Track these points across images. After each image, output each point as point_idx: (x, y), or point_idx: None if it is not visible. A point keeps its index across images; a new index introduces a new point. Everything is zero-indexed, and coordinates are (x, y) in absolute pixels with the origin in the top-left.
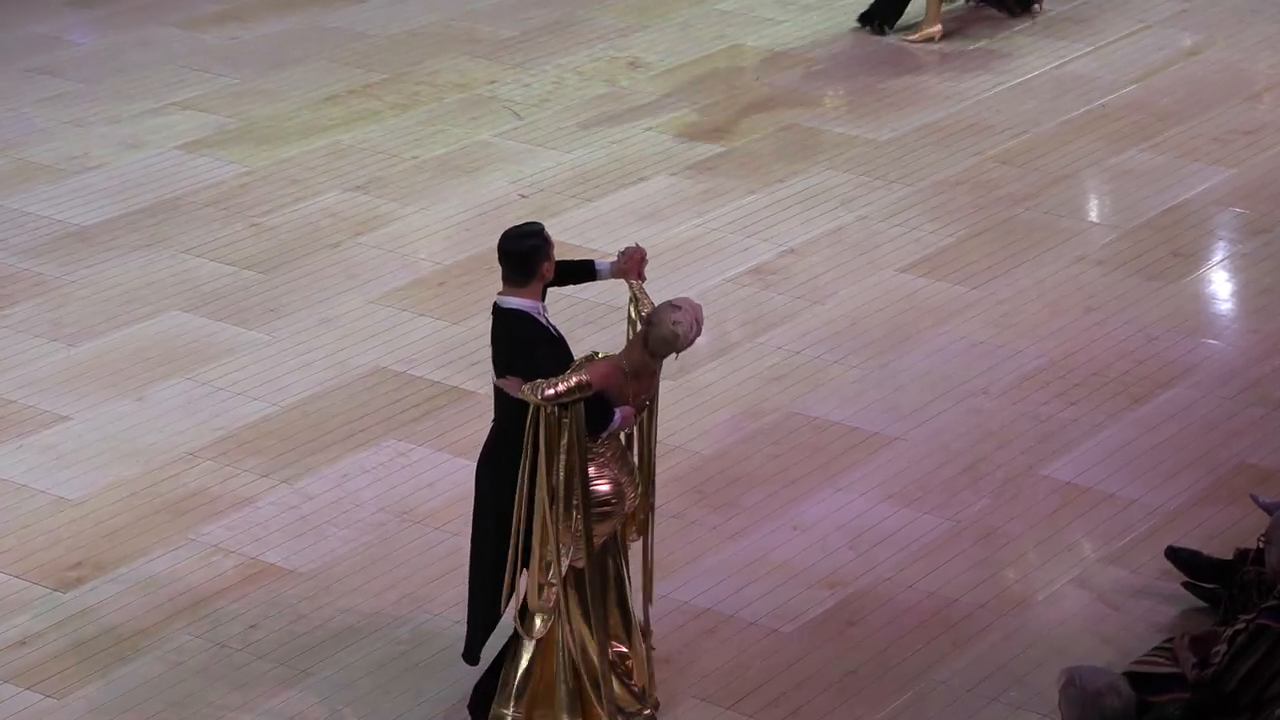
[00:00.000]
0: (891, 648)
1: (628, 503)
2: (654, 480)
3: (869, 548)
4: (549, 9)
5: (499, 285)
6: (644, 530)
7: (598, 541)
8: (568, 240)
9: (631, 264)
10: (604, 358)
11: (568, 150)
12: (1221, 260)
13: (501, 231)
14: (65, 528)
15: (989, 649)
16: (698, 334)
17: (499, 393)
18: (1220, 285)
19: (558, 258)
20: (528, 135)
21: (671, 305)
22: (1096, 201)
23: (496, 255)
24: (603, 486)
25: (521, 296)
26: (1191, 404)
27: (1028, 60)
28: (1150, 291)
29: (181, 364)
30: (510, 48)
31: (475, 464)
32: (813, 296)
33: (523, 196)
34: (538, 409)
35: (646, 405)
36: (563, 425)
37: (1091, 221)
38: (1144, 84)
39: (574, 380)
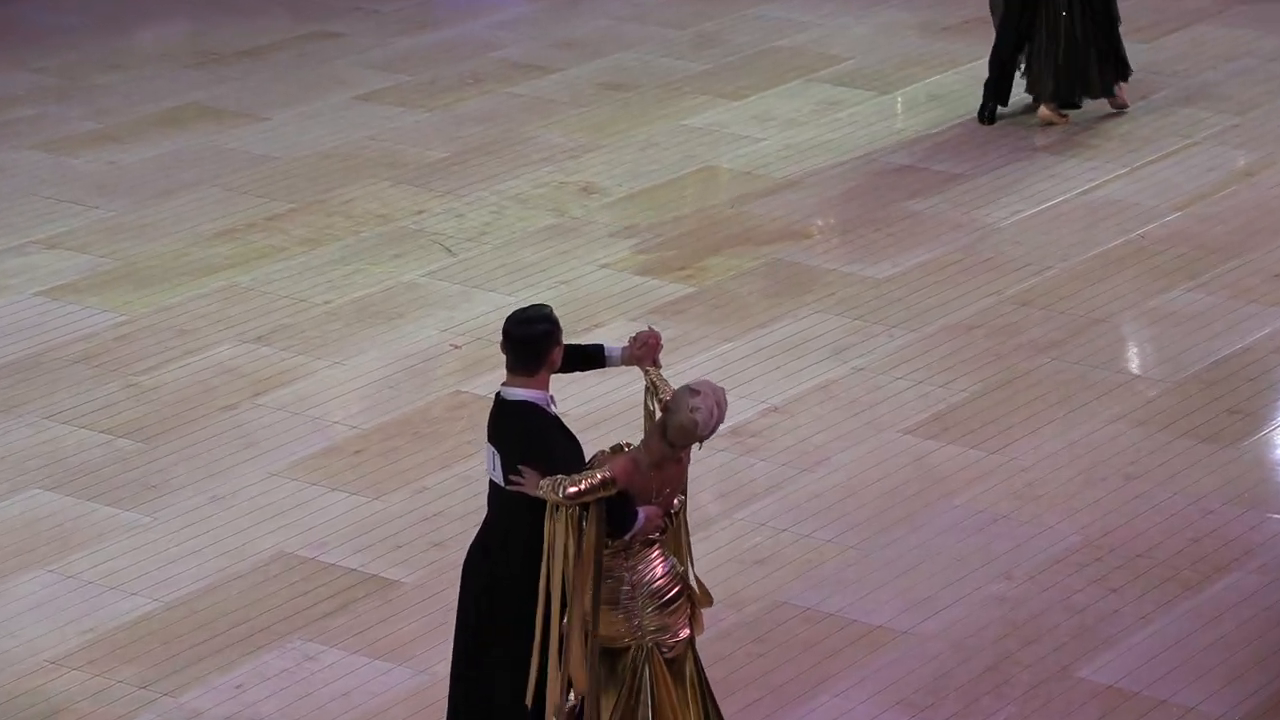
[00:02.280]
0: None
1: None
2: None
3: None
4: (485, 126)
5: (426, 452)
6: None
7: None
8: None
9: (646, 350)
10: (624, 452)
11: (509, 292)
12: None
13: (425, 389)
14: None
15: None
16: (719, 420)
17: (496, 488)
18: None
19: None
20: (462, 274)
21: (690, 390)
22: (1136, 350)
23: (500, 343)
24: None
25: (528, 387)
26: (1256, 592)
27: (1052, 183)
28: (1203, 456)
29: (43, 553)
30: (440, 172)
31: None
32: (801, 463)
33: (455, 347)
34: (555, 507)
35: (679, 506)
36: (583, 526)
37: (1131, 373)
38: (1190, 211)
39: (598, 477)
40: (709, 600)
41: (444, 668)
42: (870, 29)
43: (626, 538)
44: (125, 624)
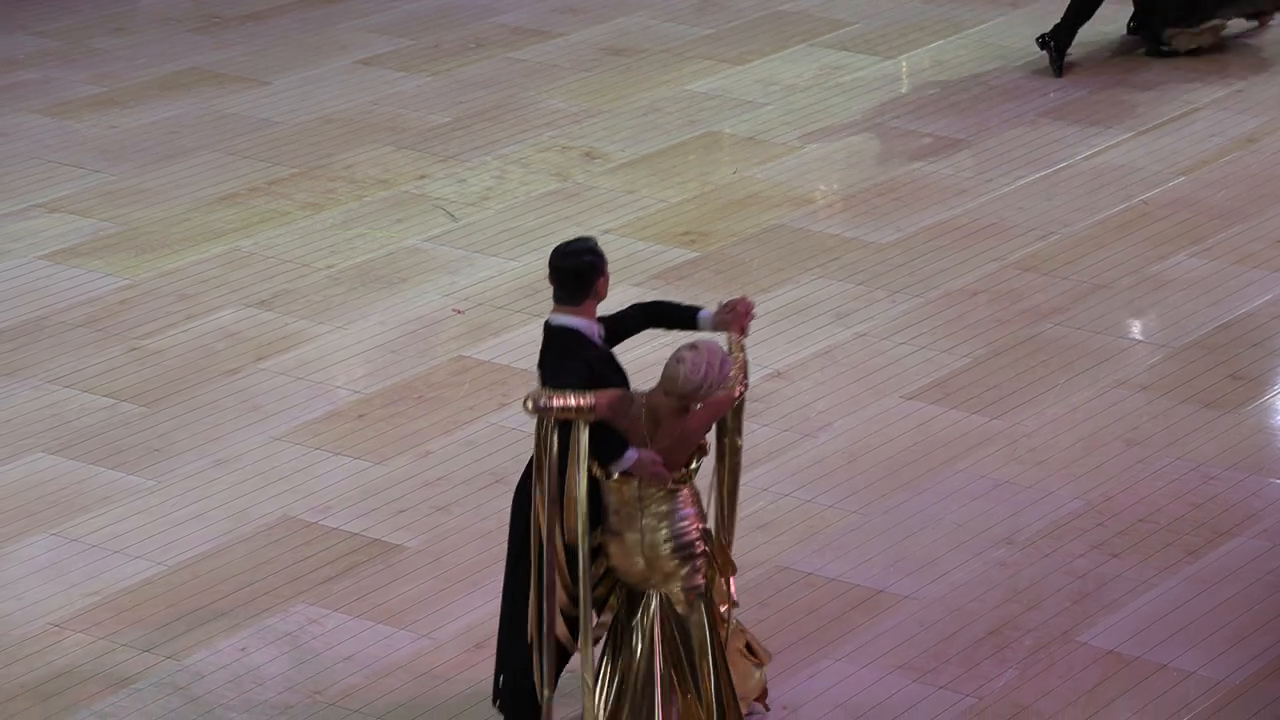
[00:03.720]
0: None
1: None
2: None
3: None
4: (488, 90)
5: (428, 417)
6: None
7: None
8: (513, 364)
9: (734, 317)
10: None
11: (512, 257)
12: None
13: (427, 353)
14: None
15: None
16: (710, 380)
17: None
18: None
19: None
20: (464, 239)
21: (689, 345)
22: (1139, 315)
23: (547, 275)
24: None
25: (574, 315)
26: (1258, 557)
27: (1055, 149)
28: (1205, 422)
29: (46, 516)
30: (443, 136)
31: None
32: (804, 428)
33: (458, 312)
34: (547, 427)
35: (694, 467)
36: (566, 445)
37: (1133, 339)
38: (1193, 177)
39: (575, 399)
40: (731, 568)
41: (444, 632)
42: None
43: (614, 471)
44: (129, 587)
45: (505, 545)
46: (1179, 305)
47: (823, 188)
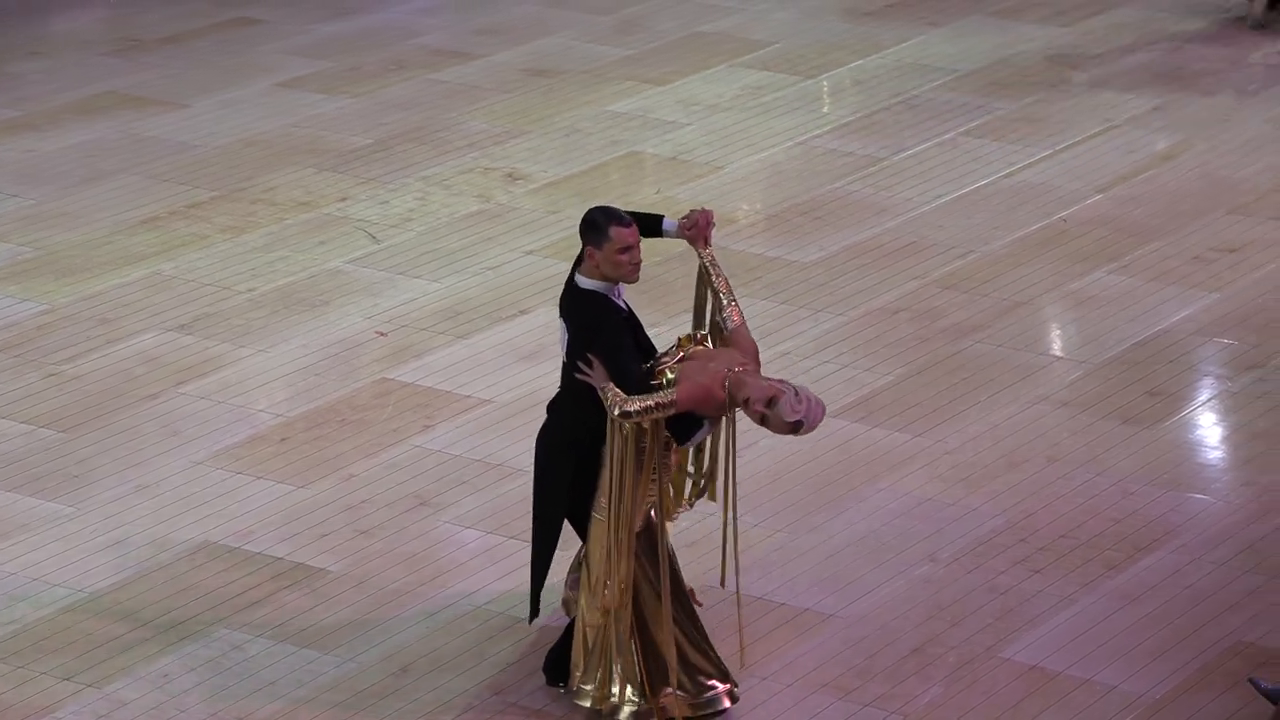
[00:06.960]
0: None
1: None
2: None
3: None
4: (409, 112)
5: (351, 440)
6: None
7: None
8: (435, 385)
9: (698, 230)
10: (707, 368)
11: (434, 278)
12: (1207, 400)
13: (350, 376)
14: None
15: None
16: (806, 422)
17: (565, 366)
18: (1207, 430)
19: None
20: (386, 261)
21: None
22: (1058, 332)
23: (578, 230)
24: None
25: (588, 275)
26: (1177, 571)
27: (974, 167)
28: (1124, 438)
29: None
30: (364, 158)
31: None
32: None
33: (381, 335)
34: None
35: None
36: (640, 432)
37: (1053, 356)
38: (1110, 194)
39: (655, 400)
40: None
41: (368, 656)
42: (794, 14)
43: (691, 446)
44: (49, 615)
45: (429, 569)
46: (1098, 322)
47: (745, 207)
